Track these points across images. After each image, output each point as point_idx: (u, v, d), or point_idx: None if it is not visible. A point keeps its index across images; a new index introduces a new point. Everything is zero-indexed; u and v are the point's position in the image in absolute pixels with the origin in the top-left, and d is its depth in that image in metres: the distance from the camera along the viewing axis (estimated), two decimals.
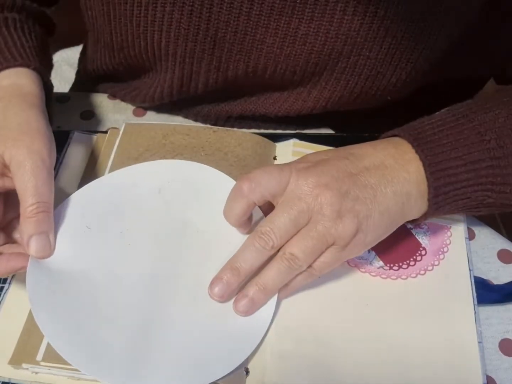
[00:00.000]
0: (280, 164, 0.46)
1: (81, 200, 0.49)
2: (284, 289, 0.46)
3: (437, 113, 0.49)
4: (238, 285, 0.45)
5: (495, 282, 0.52)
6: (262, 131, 0.62)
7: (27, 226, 0.43)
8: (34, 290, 0.44)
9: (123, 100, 0.63)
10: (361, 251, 0.46)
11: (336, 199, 0.43)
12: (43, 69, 0.51)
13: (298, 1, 0.48)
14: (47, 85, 0.51)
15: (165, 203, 0.50)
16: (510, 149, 0.46)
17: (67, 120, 0.61)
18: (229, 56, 0.53)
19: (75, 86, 0.78)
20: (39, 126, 0.45)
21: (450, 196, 0.46)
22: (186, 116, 0.62)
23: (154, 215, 0.49)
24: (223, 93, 0.59)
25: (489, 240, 0.55)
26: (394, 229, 0.47)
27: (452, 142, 0.46)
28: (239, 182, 0.45)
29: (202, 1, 0.49)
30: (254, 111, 0.60)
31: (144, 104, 0.62)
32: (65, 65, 0.79)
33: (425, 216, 0.47)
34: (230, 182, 0.50)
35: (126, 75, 0.62)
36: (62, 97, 0.63)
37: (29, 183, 0.42)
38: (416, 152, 0.46)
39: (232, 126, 0.62)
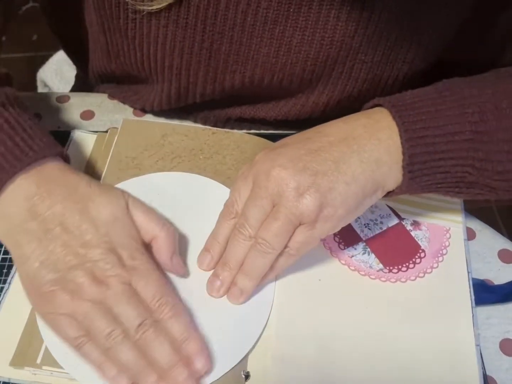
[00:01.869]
0: (244, 169, 0.48)
1: None
2: (270, 271, 0.46)
3: (423, 88, 0.48)
4: (232, 278, 0.46)
5: (496, 282, 0.52)
6: (262, 131, 0.62)
7: None
8: None
9: (123, 103, 0.63)
10: (336, 226, 0.45)
11: (291, 178, 0.43)
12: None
13: (291, 10, 0.48)
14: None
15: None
16: (493, 125, 0.45)
17: (67, 120, 0.61)
18: (225, 67, 0.53)
19: (76, 88, 0.78)
20: None
21: (427, 167, 0.45)
22: (186, 119, 0.62)
23: None
24: (220, 102, 0.59)
25: (489, 240, 0.55)
26: (370, 199, 0.46)
27: (432, 112, 0.45)
28: (237, 233, 0.45)
29: (197, 13, 0.49)
30: (253, 115, 0.60)
31: (144, 108, 0.62)
32: (65, 65, 0.79)
33: (401, 187, 0.46)
34: (219, 188, 0.52)
35: (125, 80, 0.62)
36: (62, 97, 0.63)
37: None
38: (394, 118, 0.45)
39: (232, 128, 0.62)
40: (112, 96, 0.64)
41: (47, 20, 0.64)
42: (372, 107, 0.48)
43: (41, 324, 0.44)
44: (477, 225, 0.55)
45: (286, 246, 0.44)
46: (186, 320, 0.43)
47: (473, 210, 0.57)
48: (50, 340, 0.43)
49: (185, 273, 0.47)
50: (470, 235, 0.54)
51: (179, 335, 0.42)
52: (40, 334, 0.43)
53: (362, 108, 0.49)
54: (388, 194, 0.47)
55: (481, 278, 0.52)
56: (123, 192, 0.46)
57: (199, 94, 0.57)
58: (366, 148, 0.45)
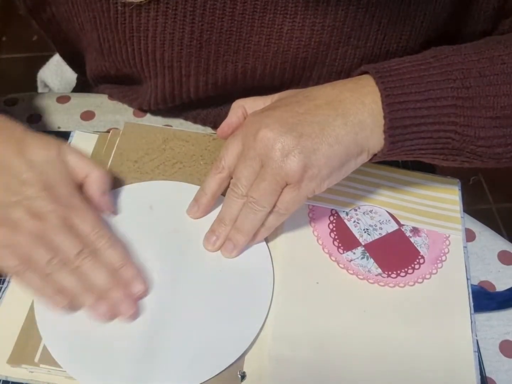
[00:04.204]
0: (237, 130, 0.49)
1: None
2: (263, 229, 0.48)
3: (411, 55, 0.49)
4: (226, 233, 0.48)
5: (495, 283, 0.52)
6: None
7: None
8: (40, 307, 0.45)
9: (121, 102, 0.63)
10: (322, 185, 0.46)
11: (277, 139, 0.44)
12: None
13: None
14: None
15: (157, 218, 0.51)
16: (476, 91, 0.45)
17: (67, 121, 0.61)
18: (217, 57, 0.53)
19: (78, 88, 0.78)
20: None
21: (409, 132, 0.45)
22: (185, 119, 0.62)
23: (148, 228, 0.50)
24: (216, 98, 0.59)
25: (489, 241, 0.55)
26: (354, 161, 0.47)
27: (415, 77, 0.45)
28: (232, 191, 0.47)
29: (185, 4, 0.49)
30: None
31: (142, 107, 0.62)
32: (66, 66, 0.78)
33: (382, 151, 0.46)
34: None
35: (120, 79, 0.62)
36: (62, 97, 0.63)
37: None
38: (376, 83, 0.46)
39: None
40: (111, 96, 0.64)
41: (39, 26, 0.64)
42: (360, 74, 0.48)
43: (39, 322, 0.44)
44: (477, 227, 0.56)
45: (275, 206, 0.46)
46: (123, 250, 0.46)
47: (473, 211, 0.57)
48: (49, 338, 0.43)
49: (114, 212, 0.50)
50: (470, 236, 0.54)
51: (116, 262, 0.45)
52: (38, 333, 0.43)
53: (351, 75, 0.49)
54: (373, 157, 0.48)
55: (481, 279, 0.52)
56: (57, 139, 0.48)
57: (193, 87, 0.56)
58: (351, 112, 0.45)
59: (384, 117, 0.45)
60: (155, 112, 0.62)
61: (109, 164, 0.54)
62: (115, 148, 0.55)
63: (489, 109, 0.45)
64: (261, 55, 0.53)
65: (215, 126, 0.62)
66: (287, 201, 0.46)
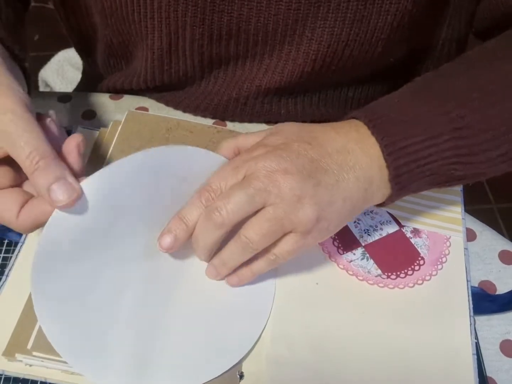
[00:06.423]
0: (236, 160, 0.45)
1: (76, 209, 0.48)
2: (250, 273, 0.46)
3: (397, 91, 0.48)
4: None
5: (496, 283, 0.52)
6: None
7: (36, 180, 0.38)
8: (37, 290, 0.44)
9: (122, 85, 0.63)
10: (324, 238, 0.45)
11: (296, 183, 0.42)
12: (10, 40, 0.46)
13: None
14: (18, 58, 0.47)
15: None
16: (472, 118, 0.45)
17: (68, 120, 0.61)
18: (212, 6, 0.53)
19: (80, 86, 0.79)
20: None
21: (414, 174, 0.45)
22: (184, 110, 0.63)
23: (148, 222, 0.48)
24: (210, 63, 0.58)
25: (490, 241, 0.55)
26: (356, 215, 0.47)
27: (410, 118, 0.45)
28: (208, 215, 0.43)
29: None
30: (245, 81, 0.59)
31: (141, 85, 0.62)
32: (67, 65, 0.79)
33: (391, 198, 0.46)
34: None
35: (121, 49, 0.62)
36: (64, 96, 0.63)
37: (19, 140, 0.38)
38: (372, 134, 0.45)
39: (234, 121, 0.63)
40: (113, 87, 0.64)
41: (58, 12, 0.64)
42: (350, 118, 0.47)
43: (37, 310, 0.42)
44: (477, 226, 0.55)
45: (274, 254, 0.44)
46: None
47: (473, 211, 0.57)
48: (44, 321, 0.42)
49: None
50: (471, 236, 0.54)
51: None
52: (32, 323, 0.43)
53: (343, 118, 0.48)
54: (381, 205, 0.47)
55: (482, 279, 0.52)
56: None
57: (189, 41, 0.56)
58: (362, 165, 0.44)
59: (388, 167, 0.44)
60: (156, 108, 0.62)
61: (110, 150, 0.54)
62: (117, 135, 0.55)
63: (489, 131, 0.45)
64: (255, 5, 0.52)
65: (214, 117, 0.62)
66: (288, 250, 0.44)
